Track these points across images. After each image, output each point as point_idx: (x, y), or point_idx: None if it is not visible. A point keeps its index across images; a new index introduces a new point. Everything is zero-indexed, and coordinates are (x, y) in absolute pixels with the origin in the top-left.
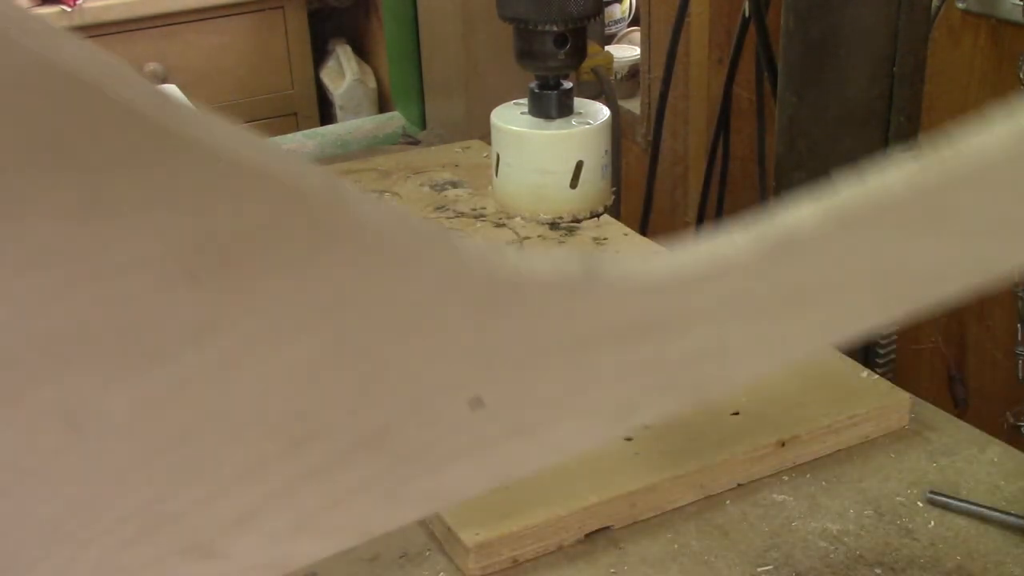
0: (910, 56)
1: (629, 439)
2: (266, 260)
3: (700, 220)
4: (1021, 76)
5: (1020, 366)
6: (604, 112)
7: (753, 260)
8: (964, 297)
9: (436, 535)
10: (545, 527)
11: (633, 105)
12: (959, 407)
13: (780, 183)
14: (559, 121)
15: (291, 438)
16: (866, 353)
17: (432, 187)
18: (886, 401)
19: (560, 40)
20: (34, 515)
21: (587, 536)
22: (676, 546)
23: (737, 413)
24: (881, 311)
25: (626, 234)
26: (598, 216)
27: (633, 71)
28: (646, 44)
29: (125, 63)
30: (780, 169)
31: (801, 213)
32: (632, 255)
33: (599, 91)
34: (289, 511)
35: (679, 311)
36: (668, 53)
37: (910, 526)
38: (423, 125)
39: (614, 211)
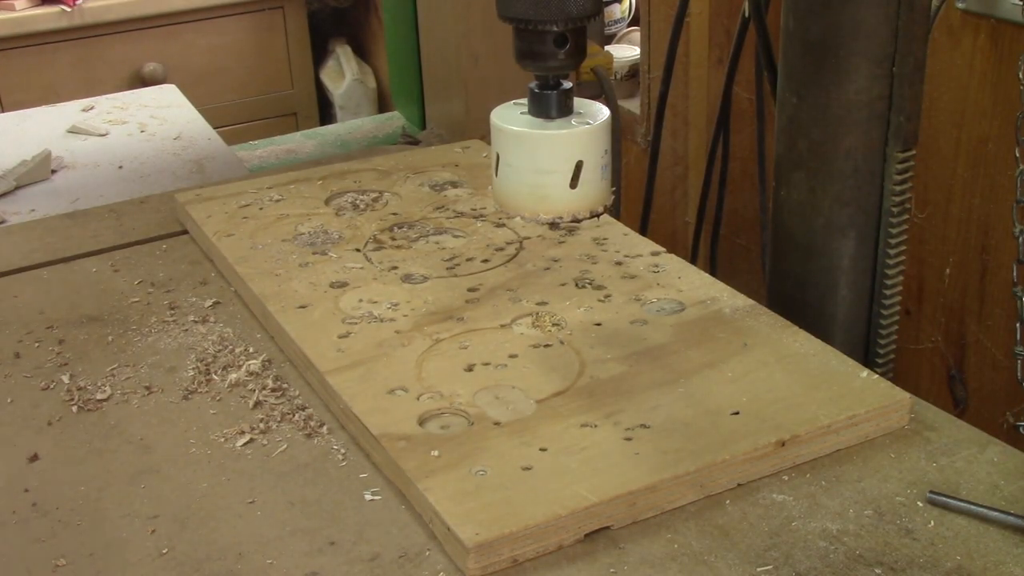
0: (910, 56)
1: (629, 439)
2: None
3: (700, 220)
4: (1020, 76)
5: (1020, 366)
6: (604, 112)
7: None
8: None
9: (436, 535)
10: (545, 527)
11: (633, 105)
12: (959, 407)
13: (780, 183)
14: (559, 121)
15: None
16: (866, 353)
17: (432, 187)
18: (886, 401)
19: (560, 40)
20: None
21: (587, 536)
22: (676, 546)
23: (737, 413)
24: None
25: (626, 234)
26: (598, 216)
27: (633, 71)
28: (646, 44)
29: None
30: (780, 169)
31: None
32: None
33: (599, 91)
34: None
35: None
36: (668, 53)
37: (910, 526)
38: (423, 125)
39: (614, 211)
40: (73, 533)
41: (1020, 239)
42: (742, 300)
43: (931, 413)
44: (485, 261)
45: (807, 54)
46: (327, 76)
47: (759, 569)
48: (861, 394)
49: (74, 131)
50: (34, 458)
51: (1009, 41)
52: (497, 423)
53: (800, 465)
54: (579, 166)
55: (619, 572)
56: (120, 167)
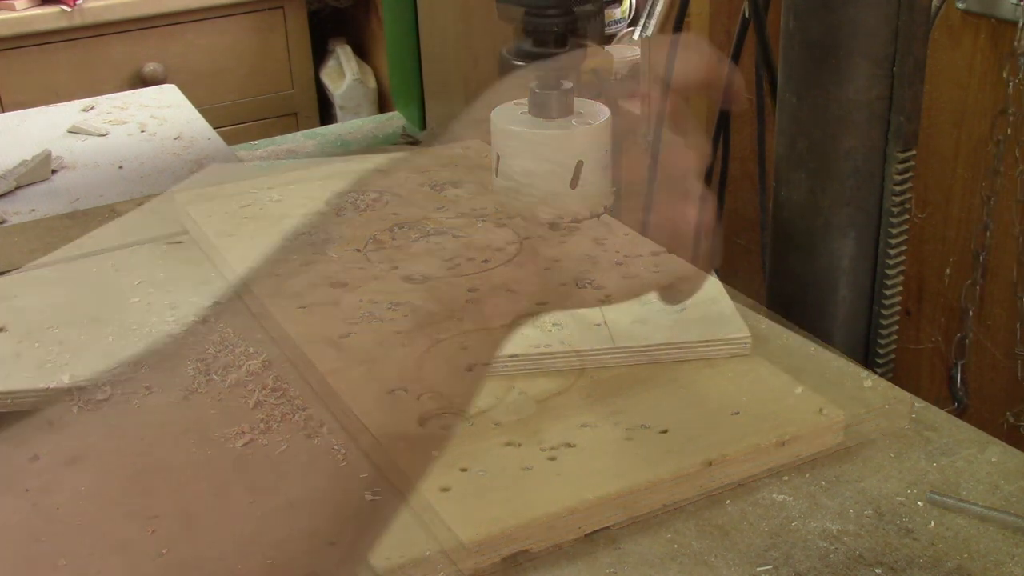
0: (910, 56)
1: (629, 439)
2: None
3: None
4: (1004, 75)
5: (1020, 366)
6: (604, 112)
7: None
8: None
9: (436, 535)
10: (545, 527)
11: (633, 105)
12: (959, 407)
13: (780, 183)
14: (559, 121)
15: None
16: (866, 353)
17: (432, 187)
18: (886, 401)
19: (560, 40)
20: None
21: (587, 536)
22: (676, 546)
23: (737, 413)
24: None
25: (626, 234)
26: (598, 216)
27: (633, 71)
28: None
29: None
30: (780, 169)
31: None
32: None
33: (599, 91)
34: None
35: None
36: (668, 53)
37: (910, 526)
38: (423, 125)
39: (614, 211)
40: (73, 533)
41: (1020, 239)
42: (742, 300)
43: (931, 413)
44: (485, 261)
45: (807, 54)
46: (327, 76)
47: (759, 569)
48: (861, 394)
49: (74, 131)
50: (34, 458)
51: (1009, 41)
52: (497, 423)
53: (800, 465)
54: (579, 166)
55: (619, 572)
56: (120, 167)
